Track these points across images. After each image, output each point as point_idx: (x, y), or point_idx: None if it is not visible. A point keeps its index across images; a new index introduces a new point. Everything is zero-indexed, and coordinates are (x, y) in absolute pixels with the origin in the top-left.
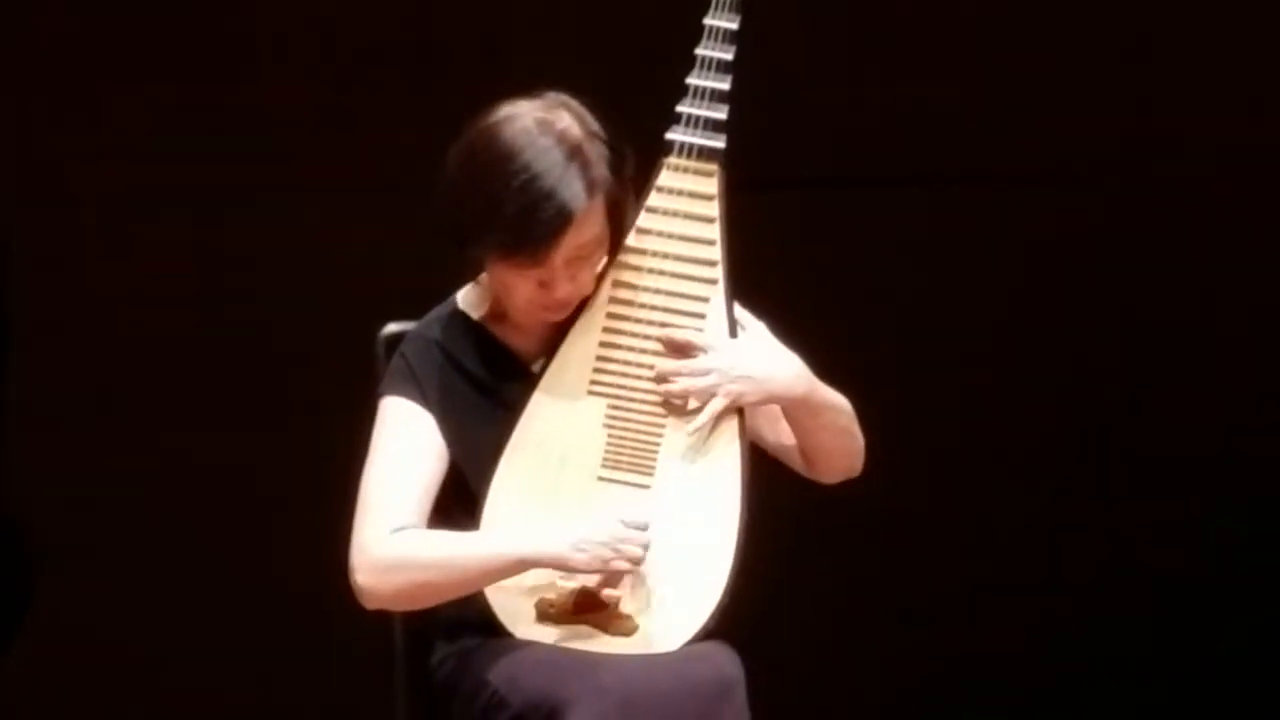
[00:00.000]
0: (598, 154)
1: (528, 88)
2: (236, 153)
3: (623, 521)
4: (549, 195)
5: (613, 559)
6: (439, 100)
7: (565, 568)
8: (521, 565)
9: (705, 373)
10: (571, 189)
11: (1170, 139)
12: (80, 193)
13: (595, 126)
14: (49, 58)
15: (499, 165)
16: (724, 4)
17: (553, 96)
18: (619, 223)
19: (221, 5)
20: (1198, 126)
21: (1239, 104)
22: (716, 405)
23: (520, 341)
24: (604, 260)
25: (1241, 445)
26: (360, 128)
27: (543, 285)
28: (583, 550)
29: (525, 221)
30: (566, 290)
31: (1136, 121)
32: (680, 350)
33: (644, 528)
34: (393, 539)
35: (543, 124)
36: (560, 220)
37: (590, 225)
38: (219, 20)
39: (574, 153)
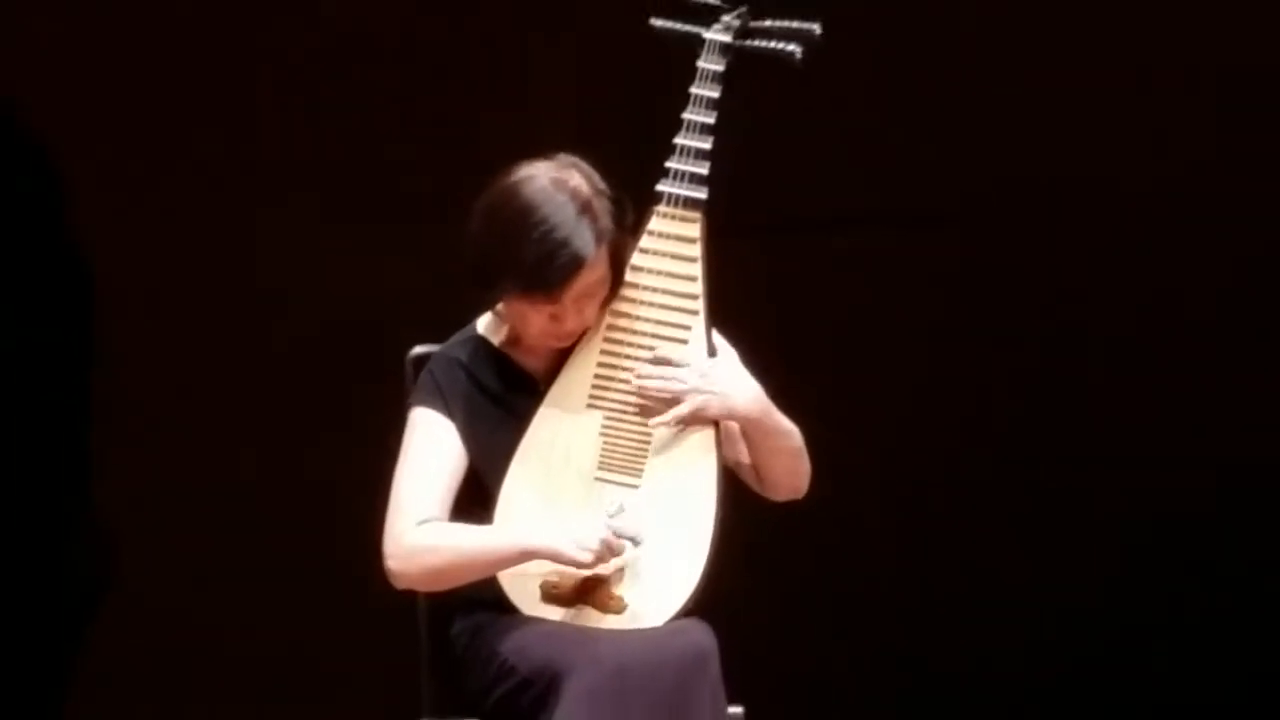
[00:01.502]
0: (603, 208)
1: (543, 151)
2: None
3: (615, 530)
4: (564, 244)
5: (600, 559)
6: (466, 151)
7: (560, 560)
8: (525, 556)
9: (680, 381)
10: (582, 239)
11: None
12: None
13: (601, 185)
14: None
15: (520, 218)
16: (707, 75)
17: (565, 158)
18: (619, 265)
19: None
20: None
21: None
22: (683, 410)
23: (530, 363)
24: (605, 295)
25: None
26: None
27: (554, 318)
28: (579, 544)
29: (543, 267)
30: (574, 323)
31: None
32: (663, 364)
33: (636, 541)
34: (419, 530)
35: (557, 183)
36: (573, 266)
37: (597, 269)
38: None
39: (584, 208)
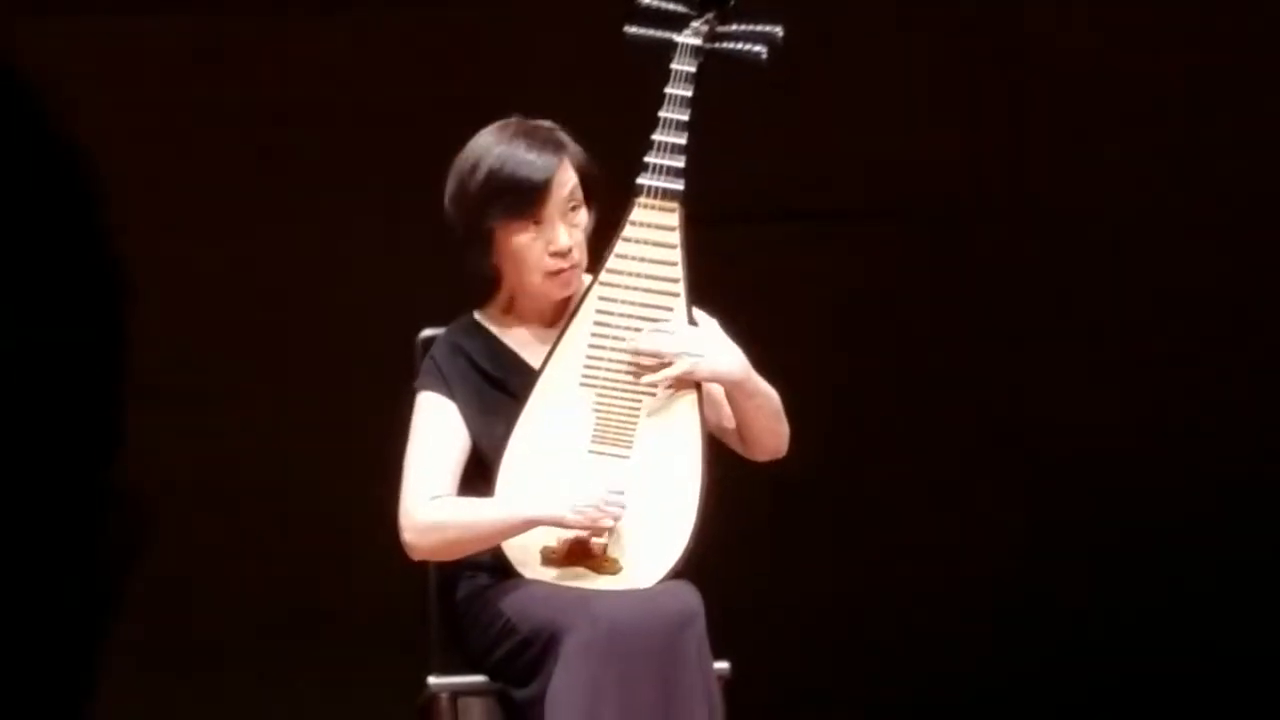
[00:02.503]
0: (551, 133)
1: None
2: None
3: (608, 489)
4: (528, 161)
5: (600, 517)
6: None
7: (563, 525)
8: (529, 524)
9: (671, 343)
10: (543, 153)
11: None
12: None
13: (548, 124)
14: None
15: (481, 161)
16: (680, 76)
17: (504, 120)
18: (590, 184)
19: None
20: None
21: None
22: (672, 371)
23: (525, 345)
24: (589, 221)
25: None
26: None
27: (549, 244)
28: (577, 511)
29: (516, 185)
30: (566, 240)
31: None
32: (654, 335)
33: (621, 493)
34: (430, 505)
35: (501, 128)
36: (543, 174)
37: (567, 178)
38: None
39: (531, 133)
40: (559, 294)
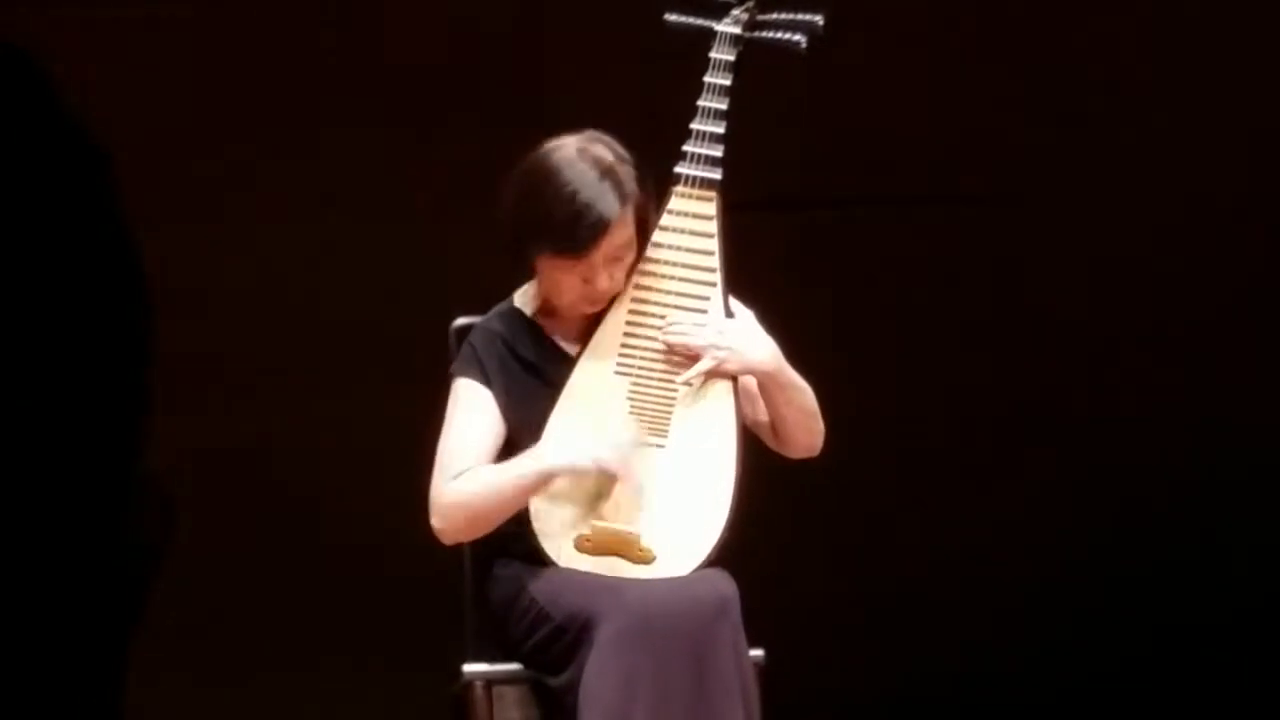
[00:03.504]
0: (627, 174)
1: (570, 127)
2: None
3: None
4: (590, 205)
5: (617, 465)
6: (489, 143)
7: (578, 473)
8: (547, 476)
9: (701, 338)
10: (607, 200)
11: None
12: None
13: (624, 153)
14: None
15: (548, 184)
16: (720, 65)
17: (590, 133)
18: (644, 229)
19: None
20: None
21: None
22: (705, 364)
23: (562, 333)
24: (632, 260)
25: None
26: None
27: (585, 281)
28: (598, 460)
29: (572, 227)
30: (605, 284)
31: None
32: (686, 324)
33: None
34: (450, 484)
35: (582, 152)
36: (600, 225)
37: (623, 230)
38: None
39: (607, 172)
40: (586, 312)
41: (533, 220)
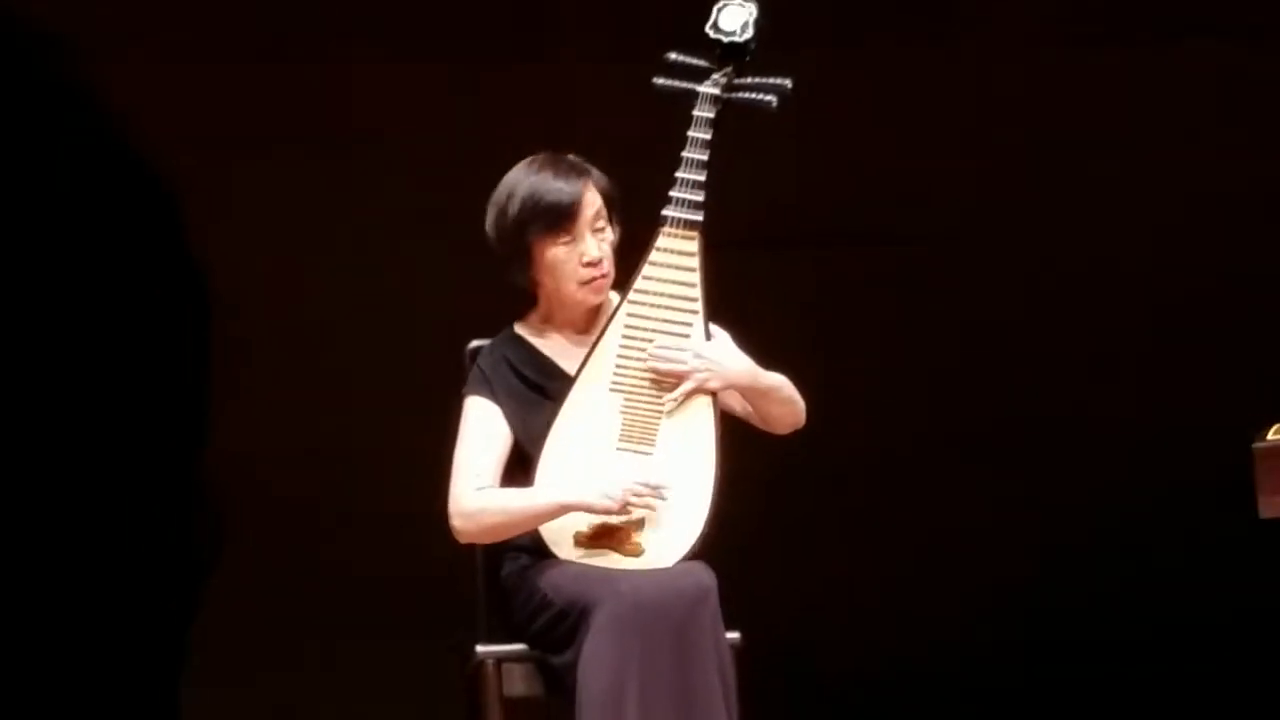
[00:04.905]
0: (576, 160)
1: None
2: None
3: (643, 483)
4: (556, 187)
5: (623, 506)
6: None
7: (591, 510)
8: (563, 510)
9: (684, 360)
10: (569, 179)
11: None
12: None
13: (572, 156)
14: None
15: (520, 186)
16: (701, 121)
17: (540, 154)
18: (612, 205)
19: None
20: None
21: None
22: (688, 385)
23: (560, 354)
24: (615, 235)
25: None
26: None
27: (581, 255)
28: (605, 497)
29: (550, 207)
30: (595, 252)
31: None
32: (670, 349)
33: (659, 486)
34: (476, 495)
35: (531, 160)
36: (571, 196)
37: (592, 198)
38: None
39: (559, 162)
40: (593, 300)
41: (515, 220)
